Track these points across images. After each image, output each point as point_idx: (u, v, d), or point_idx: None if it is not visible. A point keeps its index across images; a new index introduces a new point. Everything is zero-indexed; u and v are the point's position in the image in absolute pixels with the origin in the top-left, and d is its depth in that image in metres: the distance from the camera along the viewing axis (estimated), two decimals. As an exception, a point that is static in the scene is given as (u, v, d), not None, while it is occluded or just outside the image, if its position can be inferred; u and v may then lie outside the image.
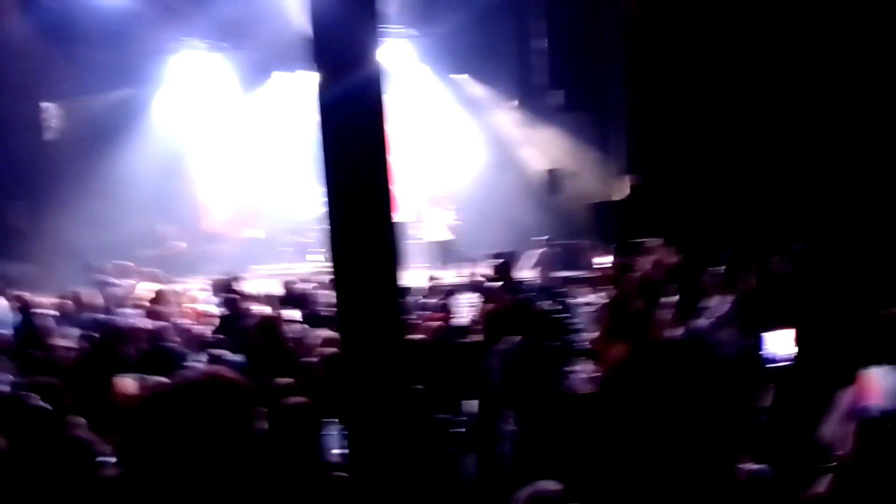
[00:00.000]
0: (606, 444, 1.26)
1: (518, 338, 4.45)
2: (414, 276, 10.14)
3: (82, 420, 3.66)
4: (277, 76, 15.38)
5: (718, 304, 5.18)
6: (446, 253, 12.17)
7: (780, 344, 3.51)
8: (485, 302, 6.59)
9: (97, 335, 6.47)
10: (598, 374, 1.20)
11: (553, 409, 4.33)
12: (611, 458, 1.24)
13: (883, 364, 1.93)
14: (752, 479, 2.51)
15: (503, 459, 4.52)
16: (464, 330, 6.97)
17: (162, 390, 1.32)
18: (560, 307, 8.33)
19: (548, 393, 4.32)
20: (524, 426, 4.36)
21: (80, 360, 5.63)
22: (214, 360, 5.32)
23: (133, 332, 6.15)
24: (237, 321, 7.00)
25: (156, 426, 1.27)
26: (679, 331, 4.56)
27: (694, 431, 1.20)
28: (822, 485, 2.02)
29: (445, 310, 7.63)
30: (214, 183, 16.42)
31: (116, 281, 10.67)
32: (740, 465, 2.52)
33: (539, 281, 10.25)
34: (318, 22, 2.85)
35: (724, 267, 6.00)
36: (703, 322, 4.67)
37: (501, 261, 9.30)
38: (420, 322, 6.73)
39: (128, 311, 8.73)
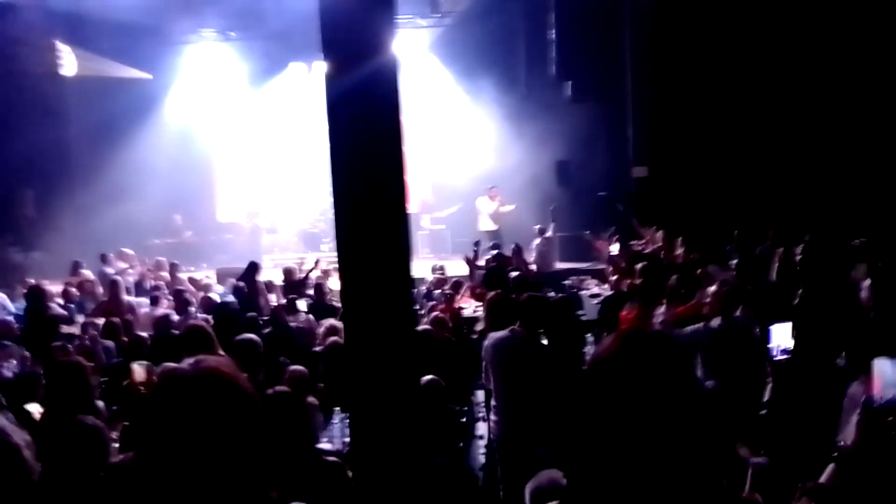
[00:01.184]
0: (589, 434, 1.25)
1: (513, 327, 4.46)
2: (421, 267, 10.21)
3: (101, 405, 3.71)
4: (295, 66, 15.35)
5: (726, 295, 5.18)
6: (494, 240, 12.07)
7: (782, 337, 3.52)
8: (488, 291, 6.61)
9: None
10: (587, 365, 1.22)
11: (547, 397, 4.36)
12: (594, 448, 1.24)
13: (889, 355, 1.94)
14: (754, 471, 2.53)
15: (498, 448, 4.56)
16: (471, 321, 7.00)
17: (162, 380, 1.34)
18: (566, 298, 8.37)
19: (538, 382, 4.33)
20: (516, 415, 4.39)
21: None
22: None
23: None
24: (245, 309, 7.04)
25: (153, 417, 1.29)
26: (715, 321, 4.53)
27: (671, 428, 1.20)
28: (826, 475, 2.02)
29: (452, 301, 7.67)
30: (227, 173, 16.46)
31: (122, 268, 10.73)
32: (742, 457, 2.55)
33: (540, 271, 10.26)
34: (329, 10, 2.82)
35: (734, 258, 6.03)
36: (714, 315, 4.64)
37: (498, 252, 9.34)
38: (428, 313, 6.77)
39: (136, 299, 8.82)
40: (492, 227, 13.09)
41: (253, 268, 9.09)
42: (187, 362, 1.33)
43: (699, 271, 6.85)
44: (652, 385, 1.21)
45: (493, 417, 4.56)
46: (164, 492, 1.24)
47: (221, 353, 4.07)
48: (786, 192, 10.70)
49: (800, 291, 5.18)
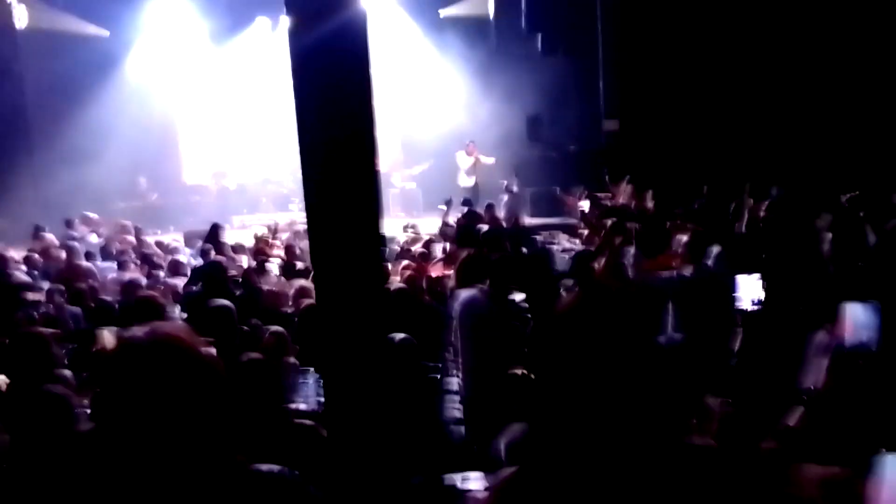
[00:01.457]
0: (548, 385, 1.29)
1: (481, 285, 4.47)
2: (392, 226, 10.16)
3: (68, 373, 3.65)
4: (260, 21, 14.93)
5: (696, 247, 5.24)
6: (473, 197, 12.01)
7: (750, 288, 3.58)
8: (458, 248, 6.61)
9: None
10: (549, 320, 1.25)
11: (512, 355, 4.40)
12: (553, 399, 1.27)
13: (857, 300, 1.98)
14: (721, 418, 2.58)
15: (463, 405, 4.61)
16: (444, 278, 7.00)
17: (115, 350, 1.32)
18: (537, 253, 8.39)
19: (503, 340, 4.36)
20: (480, 373, 4.44)
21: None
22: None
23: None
24: (214, 273, 6.94)
25: (108, 386, 1.28)
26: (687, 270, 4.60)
27: (622, 381, 1.23)
28: (794, 418, 2.08)
29: (425, 259, 7.65)
30: (193, 133, 16.10)
31: (85, 233, 10.54)
32: (709, 405, 2.60)
33: (509, 227, 10.28)
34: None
35: (702, 210, 6.09)
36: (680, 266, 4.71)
37: (468, 208, 9.33)
38: (401, 271, 6.75)
39: (103, 263, 8.67)
40: (469, 182, 13.03)
41: (216, 229, 8.95)
42: (141, 330, 1.31)
43: (669, 224, 6.92)
44: (605, 340, 1.24)
45: (461, 375, 4.60)
46: (127, 459, 1.23)
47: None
48: (756, 146, 10.79)
49: (766, 243, 5.26)
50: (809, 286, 3.73)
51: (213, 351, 1.41)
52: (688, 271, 4.65)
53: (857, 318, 1.98)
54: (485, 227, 8.00)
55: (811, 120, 10.78)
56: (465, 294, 4.54)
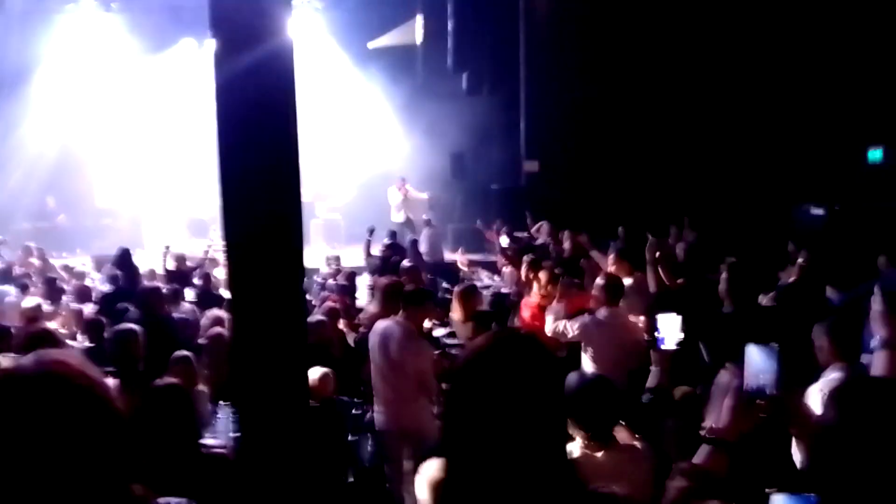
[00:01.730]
0: (457, 426, 1.33)
1: (396, 318, 4.47)
2: (314, 256, 10.03)
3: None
4: (186, 42, 14.60)
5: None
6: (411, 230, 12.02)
7: (669, 328, 3.70)
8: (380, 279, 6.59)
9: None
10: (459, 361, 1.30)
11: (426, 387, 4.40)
12: (463, 438, 1.31)
13: (758, 343, 2.08)
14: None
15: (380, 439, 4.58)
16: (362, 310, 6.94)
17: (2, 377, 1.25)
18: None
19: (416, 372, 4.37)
20: (395, 405, 4.42)
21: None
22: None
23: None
24: (122, 298, 6.67)
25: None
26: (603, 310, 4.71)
27: (530, 425, 1.28)
28: (700, 455, 2.15)
29: (347, 291, 7.58)
30: (108, 155, 15.46)
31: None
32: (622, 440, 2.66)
33: (431, 261, 10.34)
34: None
35: (619, 251, 6.27)
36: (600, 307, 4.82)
37: (392, 242, 9.35)
38: (321, 303, 6.66)
39: (3, 287, 8.18)
40: (400, 218, 13.00)
41: (125, 254, 8.59)
42: (28, 358, 1.25)
43: (582, 262, 7.11)
44: (514, 384, 1.29)
45: (375, 408, 4.57)
46: (13, 495, 1.16)
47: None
48: (672, 188, 11.25)
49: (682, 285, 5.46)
50: (715, 327, 3.89)
51: (110, 380, 1.35)
52: (602, 314, 4.77)
53: (754, 361, 2.09)
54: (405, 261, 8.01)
55: (725, 163, 11.34)
56: (379, 326, 4.53)
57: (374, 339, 4.53)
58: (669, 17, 11.46)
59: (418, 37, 14.16)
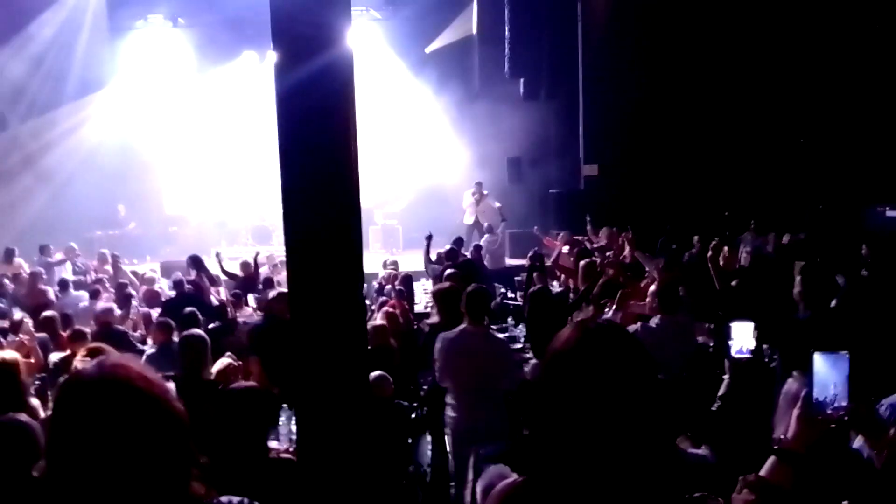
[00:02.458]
0: (550, 427, 1.29)
1: (463, 326, 4.45)
2: (372, 261, 10.14)
3: (36, 402, 3.56)
4: (248, 55, 15.01)
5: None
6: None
7: (741, 335, 3.57)
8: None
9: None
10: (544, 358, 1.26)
11: (495, 395, 4.39)
12: (555, 442, 1.28)
13: (827, 350, 1.99)
14: (694, 462, 2.58)
15: (454, 443, 4.57)
16: (422, 315, 6.98)
17: (63, 386, 1.30)
18: (515, 294, 8.41)
19: (493, 377, 4.35)
20: (464, 411, 4.40)
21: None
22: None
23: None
24: (187, 303, 6.87)
25: (56, 423, 1.26)
26: (655, 318, 4.56)
27: (632, 417, 1.25)
28: (766, 468, 2.07)
29: (404, 296, 7.64)
30: (176, 164, 16.02)
31: (60, 260, 10.42)
32: (683, 449, 2.59)
33: (491, 267, 10.31)
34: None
35: (680, 256, 6.14)
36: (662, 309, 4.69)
37: (451, 247, 9.35)
38: (379, 308, 6.73)
39: (77, 293, 8.55)
40: (471, 221, 13.02)
41: (195, 261, 8.83)
42: (91, 364, 1.29)
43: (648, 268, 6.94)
44: (613, 377, 1.25)
45: (450, 413, 4.54)
46: (76, 494, 1.21)
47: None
48: (735, 191, 10.98)
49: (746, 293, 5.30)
50: (789, 333, 3.75)
51: (170, 384, 1.40)
52: (655, 322, 4.57)
53: (824, 369, 2.00)
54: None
55: (787, 166, 11.00)
56: (448, 336, 4.50)
57: (443, 350, 4.50)
58: (729, 19, 11.20)
59: (474, 26, 14.17)
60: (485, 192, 12.96)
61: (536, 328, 5.23)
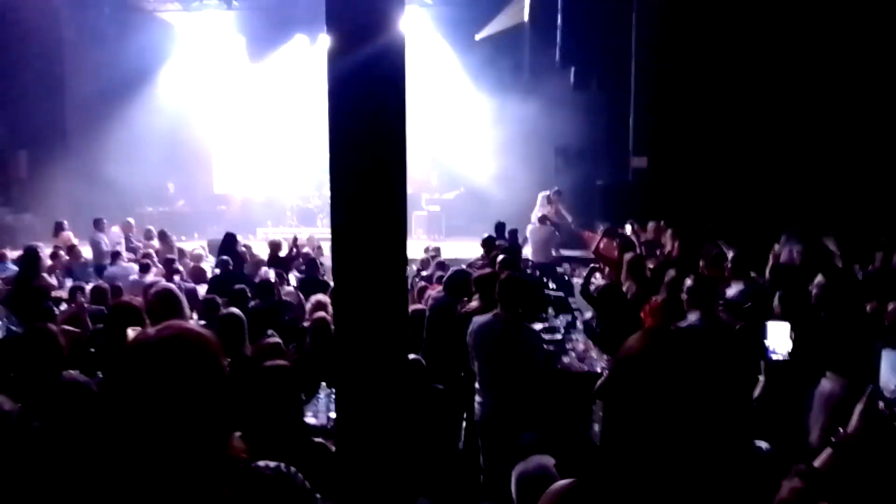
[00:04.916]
0: (620, 430, 1.29)
1: (496, 311, 4.47)
2: (414, 247, 10.19)
3: (75, 373, 3.69)
4: (299, 38, 15.15)
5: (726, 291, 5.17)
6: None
7: (777, 337, 3.49)
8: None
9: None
10: (613, 360, 1.26)
11: (531, 383, 4.40)
12: (625, 443, 1.27)
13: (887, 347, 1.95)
14: (764, 458, 2.55)
15: (480, 430, 4.60)
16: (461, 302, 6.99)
17: (127, 348, 1.35)
18: (557, 285, 8.37)
19: (521, 365, 4.36)
20: (498, 397, 4.43)
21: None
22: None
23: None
24: (233, 280, 7.01)
25: (121, 384, 1.32)
26: (692, 316, 4.44)
27: (710, 421, 1.25)
28: (821, 459, 2.04)
29: (440, 282, 7.65)
30: (225, 144, 16.33)
31: (113, 234, 10.72)
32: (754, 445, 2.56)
33: (538, 259, 10.25)
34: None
35: (733, 253, 6.01)
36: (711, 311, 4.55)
37: (488, 236, 9.31)
38: (419, 293, 6.78)
39: (128, 265, 8.80)
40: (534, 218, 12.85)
41: (229, 240, 8.95)
42: (152, 329, 1.36)
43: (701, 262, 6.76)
44: (689, 382, 1.25)
45: (477, 399, 4.59)
46: (129, 452, 1.28)
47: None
48: (784, 188, 10.71)
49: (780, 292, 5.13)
50: (804, 337, 3.65)
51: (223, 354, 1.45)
52: (694, 316, 4.40)
53: (891, 365, 1.95)
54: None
55: (832, 162, 10.66)
56: (481, 320, 4.56)
57: (473, 334, 4.56)
58: (786, 9, 10.87)
59: (525, 14, 14.01)
60: (559, 201, 12.65)
61: (607, 326, 5.18)
